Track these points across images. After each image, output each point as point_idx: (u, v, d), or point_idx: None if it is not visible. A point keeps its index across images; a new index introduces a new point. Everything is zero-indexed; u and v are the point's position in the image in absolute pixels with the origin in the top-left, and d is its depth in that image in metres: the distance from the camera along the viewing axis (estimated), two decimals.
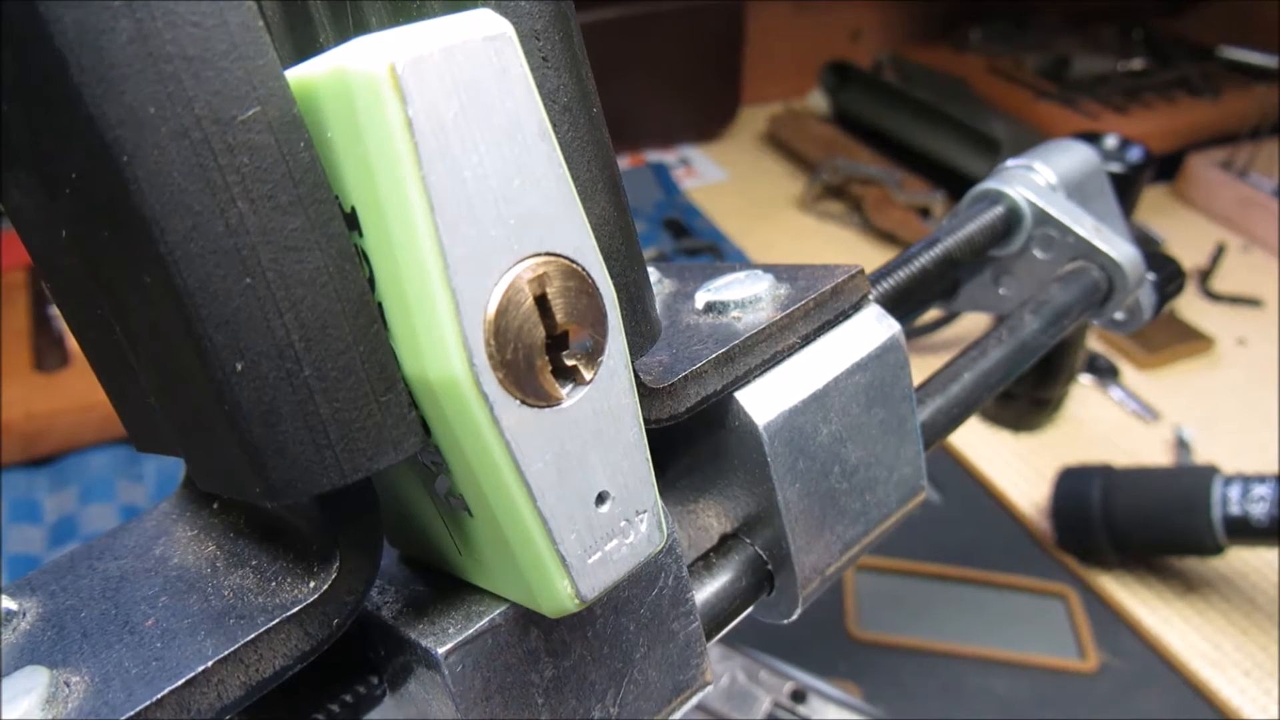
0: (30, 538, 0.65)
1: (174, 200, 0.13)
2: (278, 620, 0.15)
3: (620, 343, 0.16)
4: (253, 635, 0.15)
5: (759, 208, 1.11)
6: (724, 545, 0.24)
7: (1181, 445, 0.80)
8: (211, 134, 0.13)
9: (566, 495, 0.16)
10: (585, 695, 0.19)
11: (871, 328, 0.24)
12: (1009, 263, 0.38)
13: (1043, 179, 0.38)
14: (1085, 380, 0.87)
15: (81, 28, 0.12)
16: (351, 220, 0.14)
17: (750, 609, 0.24)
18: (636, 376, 0.18)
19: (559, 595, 0.16)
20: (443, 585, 0.19)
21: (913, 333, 0.85)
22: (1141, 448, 0.80)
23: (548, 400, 0.15)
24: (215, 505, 0.19)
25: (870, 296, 0.25)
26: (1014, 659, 0.63)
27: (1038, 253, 0.37)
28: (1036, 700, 0.61)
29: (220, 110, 0.13)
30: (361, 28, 0.14)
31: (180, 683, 0.15)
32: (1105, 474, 0.69)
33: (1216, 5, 1.42)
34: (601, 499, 0.16)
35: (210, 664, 0.15)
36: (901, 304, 0.32)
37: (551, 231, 0.15)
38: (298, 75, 0.14)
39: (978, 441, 0.80)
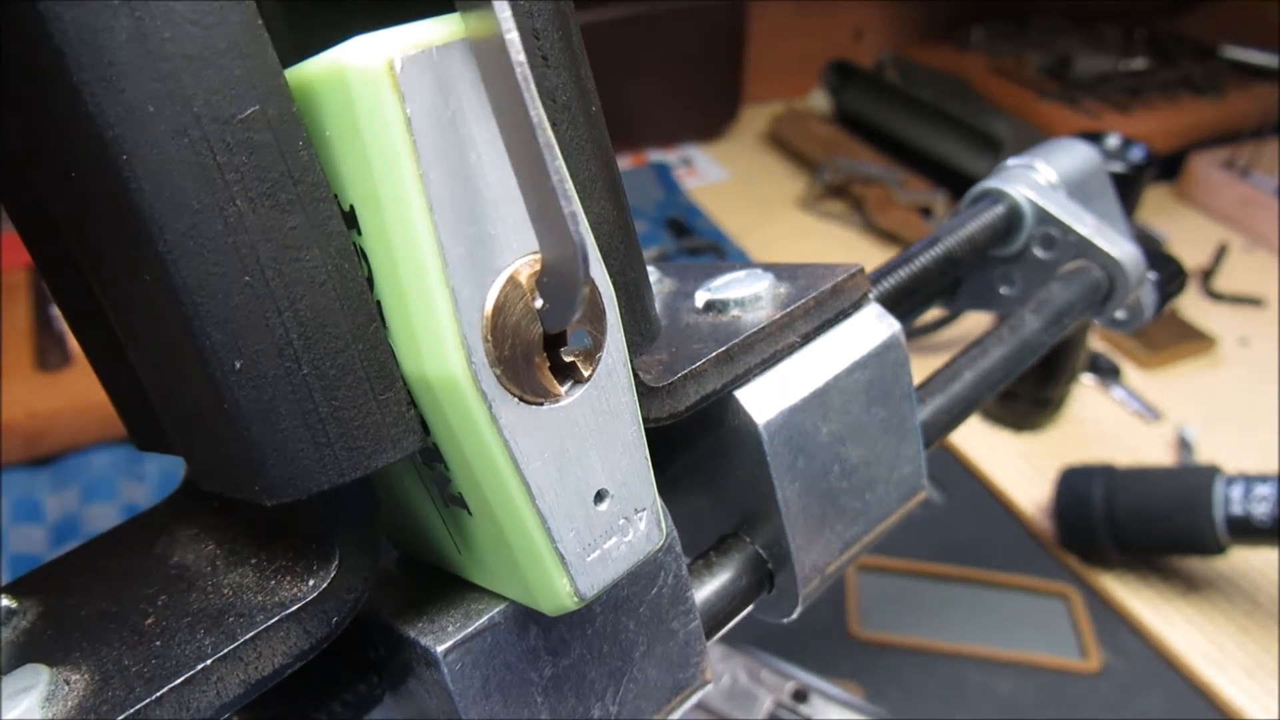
0: (32, 537, 0.65)
1: (173, 198, 0.13)
2: (277, 618, 0.15)
3: (619, 340, 0.16)
4: (252, 633, 0.15)
5: (760, 207, 1.11)
6: (724, 544, 0.24)
7: (1183, 445, 0.80)
8: (211, 132, 0.13)
9: (565, 493, 0.16)
10: (585, 693, 0.19)
11: (872, 326, 0.24)
12: (1010, 262, 0.38)
13: (1044, 178, 0.38)
14: (1087, 380, 0.86)
15: (81, 26, 0.12)
16: (350, 219, 0.14)
17: (750, 608, 0.24)
18: (636, 375, 0.18)
19: (558, 593, 0.16)
20: (442, 584, 0.19)
21: (914, 332, 0.85)
22: (1143, 447, 0.80)
23: (546, 397, 0.15)
24: (215, 504, 0.19)
25: (870, 295, 0.25)
26: (1016, 659, 0.63)
27: (1039, 252, 0.37)
28: (1038, 700, 0.61)
29: (219, 109, 0.13)
30: (359, 26, 0.14)
31: (179, 681, 0.15)
32: (1107, 474, 0.69)
33: (1219, 4, 1.41)
34: (600, 497, 0.16)
35: (210, 662, 0.15)
36: (902, 303, 0.32)
37: None
38: (296, 74, 0.14)
39: (979, 441, 0.80)
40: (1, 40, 0.13)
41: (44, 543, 0.65)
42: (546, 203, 0.13)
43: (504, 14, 0.12)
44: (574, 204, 0.13)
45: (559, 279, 0.14)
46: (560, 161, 0.13)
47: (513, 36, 0.12)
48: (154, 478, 0.69)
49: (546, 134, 0.12)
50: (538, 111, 0.12)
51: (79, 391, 0.70)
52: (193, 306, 0.13)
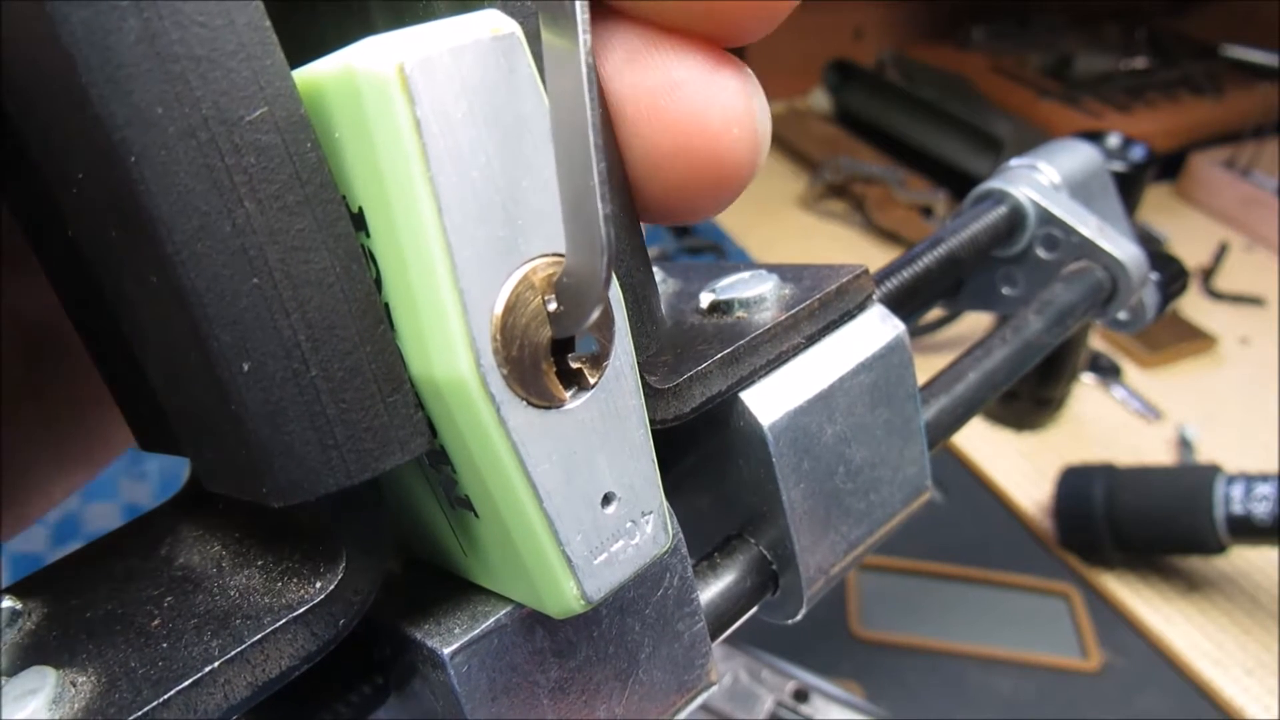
0: (33, 536, 0.65)
1: (181, 200, 0.13)
2: (284, 621, 0.15)
3: (627, 344, 0.16)
4: (259, 636, 0.15)
5: (761, 206, 1.11)
6: (728, 545, 0.24)
7: (1184, 444, 0.80)
8: (219, 134, 0.13)
9: (573, 496, 0.16)
10: (591, 696, 0.19)
11: (876, 328, 0.24)
12: (1012, 262, 0.38)
13: (1046, 178, 0.38)
14: (1088, 379, 0.86)
15: (89, 27, 0.12)
16: (359, 221, 0.14)
17: (755, 609, 0.24)
18: (642, 377, 0.18)
19: (565, 596, 0.16)
20: (448, 586, 0.19)
21: (915, 331, 0.85)
22: (1144, 447, 0.80)
23: (551, 402, 0.15)
24: (220, 505, 0.19)
25: (875, 297, 0.25)
26: (1017, 658, 0.63)
27: (1041, 252, 0.37)
28: (1039, 699, 0.61)
29: (227, 110, 0.13)
30: (368, 28, 0.14)
31: (187, 683, 0.14)
32: (1108, 473, 0.69)
33: (1220, 4, 1.41)
34: (608, 500, 0.16)
35: (217, 665, 0.15)
36: (905, 304, 0.32)
37: (559, 232, 0.15)
38: (305, 75, 0.14)
39: (980, 441, 0.80)
40: (9, 41, 0.13)
41: (45, 542, 0.65)
42: (583, 204, 0.13)
43: (581, 16, 0.13)
44: (609, 207, 0.13)
45: (579, 282, 0.14)
46: (605, 164, 0.13)
47: (586, 38, 0.12)
48: (155, 477, 0.69)
49: (598, 137, 0.13)
50: (595, 115, 0.12)
51: None
52: (201, 308, 0.13)
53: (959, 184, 1.05)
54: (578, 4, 0.12)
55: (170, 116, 0.12)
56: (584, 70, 0.12)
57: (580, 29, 0.12)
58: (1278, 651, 0.63)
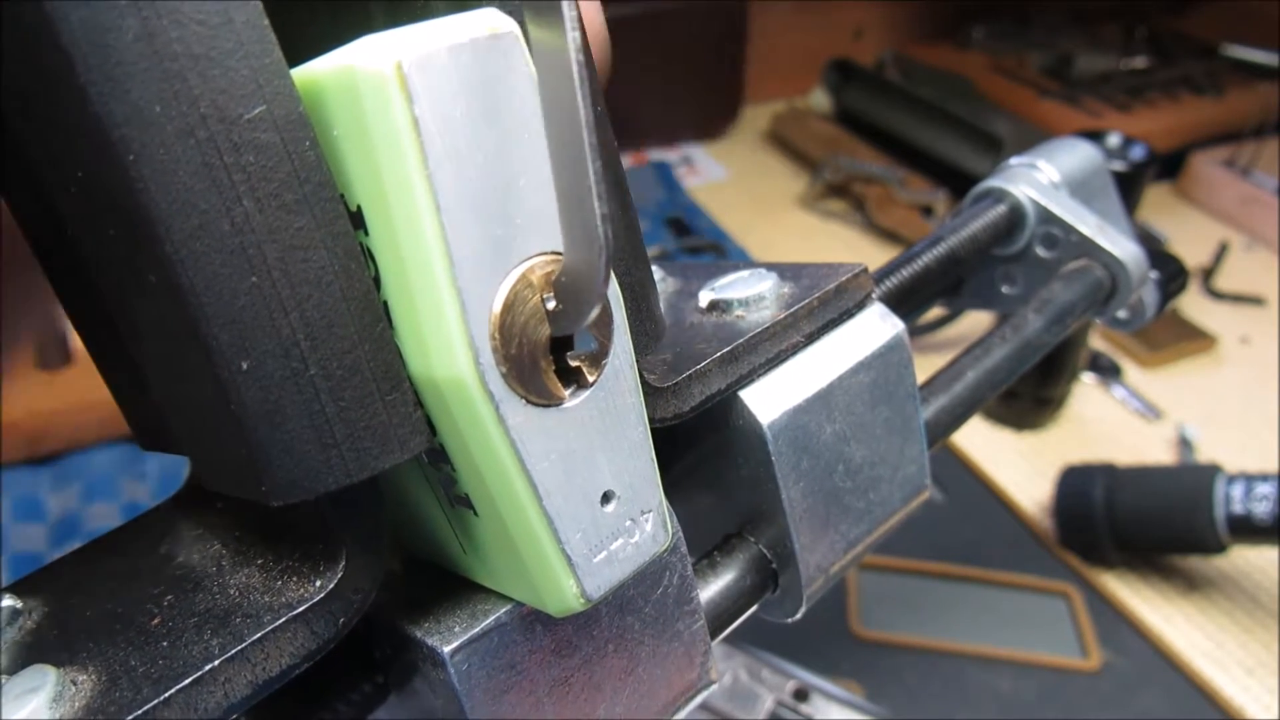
0: (33, 536, 0.65)
1: (180, 199, 0.13)
2: (284, 619, 0.15)
3: (625, 342, 0.16)
4: (259, 634, 0.15)
5: (761, 206, 1.11)
6: (728, 544, 0.24)
7: (1184, 444, 0.80)
8: (217, 133, 0.13)
9: (572, 494, 0.16)
10: (591, 694, 0.19)
11: (875, 326, 0.24)
12: (1012, 261, 0.38)
13: (1046, 177, 0.38)
14: (1088, 379, 0.86)
15: (88, 26, 0.12)
16: (357, 219, 0.14)
17: (755, 607, 0.24)
18: (641, 375, 0.18)
19: (564, 594, 0.16)
20: (448, 584, 0.19)
21: (915, 331, 0.85)
22: (1144, 446, 0.80)
23: (550, 400, 0.15)
24: (220, 503, 0.19)
25: (874, 295, 0.25)
26: (1017, 658, 0.63)
27: (1041, 251, 0.37)
28: (1039, 699, 0.61)
29: (226, 109, 0.13)
30: (366, 27, 0.14)
31: (187, 682, 0.14)
32: (1108, 473, 0.69)
33: (1220, 3, 1.41)
34: (607, 498, 0.16)
35: (217, 663, 0.15)
36: (905, 302, 0.32)
37: (557, 231, 0.15)
38: (304, 74, 0.14)
39: (980, 440, 0.80)
40: (8, 40, 0.13)
41: (45, 542, 0.65)
42: (580, 203, 0.13)
43: (570, 13, 0.12)
44: (606, 207, 0.13)
45: (578, 281, 0.14)
46: (600, 164, 0.13)
47: (575, 36, 0.12)
48: (155, 476, 0.69)
49: (593, 136, 0.13)
50: (589, 113, 0.12)
51: (80, 390, 0.70)
52: (199, 307, 0.13)
53: (959, 184, 1.05)
54: (565, 1, 0.12)
55: (169, 115, 0.12)
56: (575, 68, 0.12)
57: (569, 26, 0.12)
58: (1278, 651, 0.63)
